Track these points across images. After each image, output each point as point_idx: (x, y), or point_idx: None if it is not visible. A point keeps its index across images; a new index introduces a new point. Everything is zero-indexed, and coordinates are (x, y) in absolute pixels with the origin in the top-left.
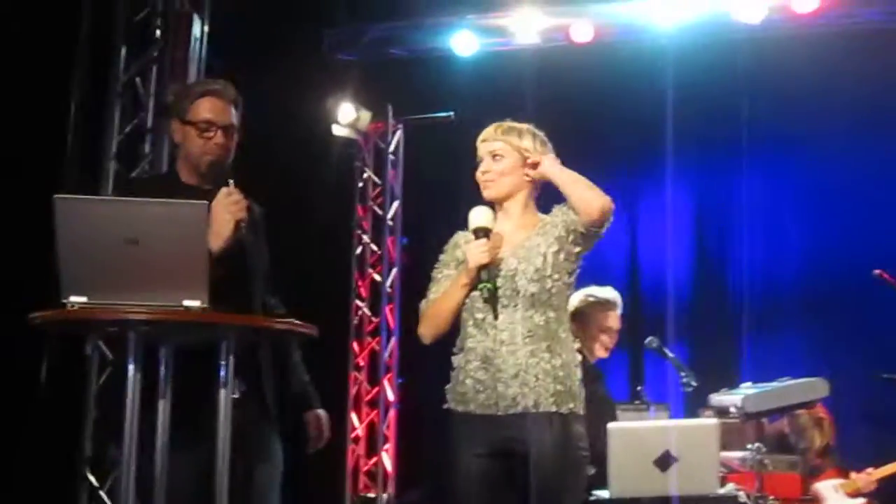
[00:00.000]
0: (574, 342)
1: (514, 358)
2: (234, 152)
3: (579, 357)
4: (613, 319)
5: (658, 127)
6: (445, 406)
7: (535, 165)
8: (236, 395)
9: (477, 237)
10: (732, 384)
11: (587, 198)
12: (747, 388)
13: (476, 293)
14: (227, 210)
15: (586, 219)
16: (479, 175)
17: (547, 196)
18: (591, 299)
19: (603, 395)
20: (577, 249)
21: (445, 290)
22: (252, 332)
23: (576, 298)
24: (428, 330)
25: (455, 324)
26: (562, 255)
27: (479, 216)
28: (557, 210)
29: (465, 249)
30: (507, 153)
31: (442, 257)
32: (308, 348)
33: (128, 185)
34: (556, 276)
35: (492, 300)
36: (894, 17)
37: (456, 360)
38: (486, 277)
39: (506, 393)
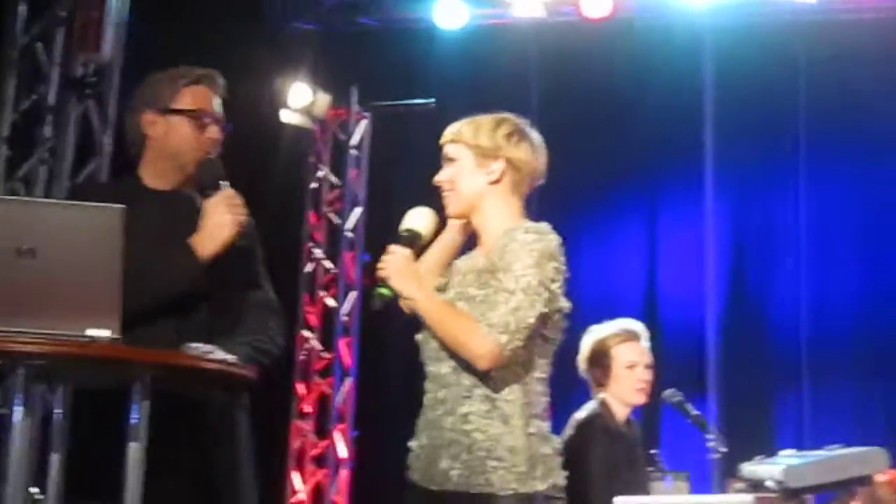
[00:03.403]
0: (597, 393)
1: (447, 421)
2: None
3: (545, 424)
4: (638, 351)
5: (688, 123)
6: None
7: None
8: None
9: (402, 243)
10: (770, 452)
11: (460, 349)
12: (789, 458)
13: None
14: (230, 210)
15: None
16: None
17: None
18: (603, 334)
19: (628, 461)
20: None
21: None
22: (169, 372)
23: (587, 340)
24: None
25: None
26: None
27: (411, 216)
28: (515, 247)
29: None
30: (459, 154)
31: None
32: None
33: (73, 192)
34: None
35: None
36: None
37: None
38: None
39: (438, 465)
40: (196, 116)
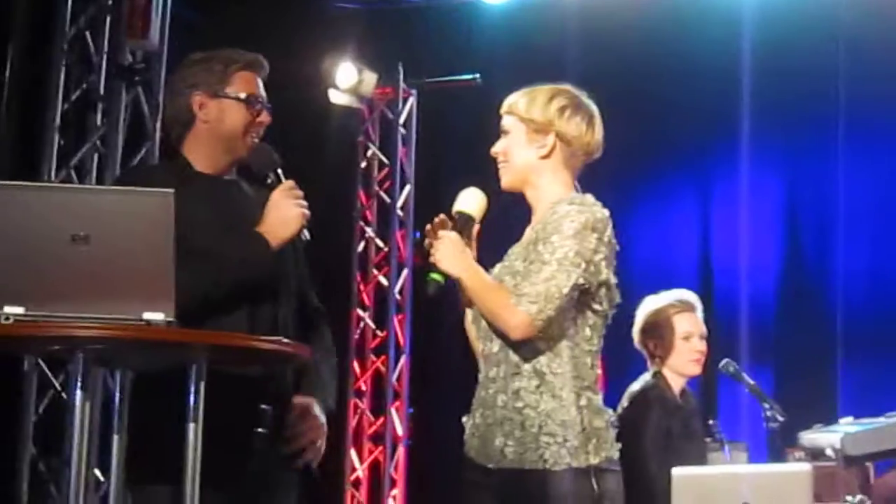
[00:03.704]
0: (652, 364)
1: (499, 399)
2: None
3: (596, 397)
4: (694, 322)
5: (736, 93)
6: None
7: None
8: (262, 431)
9: (453, 225)
10: (828, 420)
11: (496, 321)
12: (847, 425)
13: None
14: (297, 204)
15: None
16: None
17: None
18: (659, 304)
19: (684, 432)
20: None
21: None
22: (225, 354)
23: (642, 311)
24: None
25: None
26: None
27: (462, 198)
28: (556, 218)
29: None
30: (513, 126)
31: None
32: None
33: (125, 175)
34: None
35: (476, 323)
36: None
37: None
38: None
39: (493, 443)
40: (250, 102)
